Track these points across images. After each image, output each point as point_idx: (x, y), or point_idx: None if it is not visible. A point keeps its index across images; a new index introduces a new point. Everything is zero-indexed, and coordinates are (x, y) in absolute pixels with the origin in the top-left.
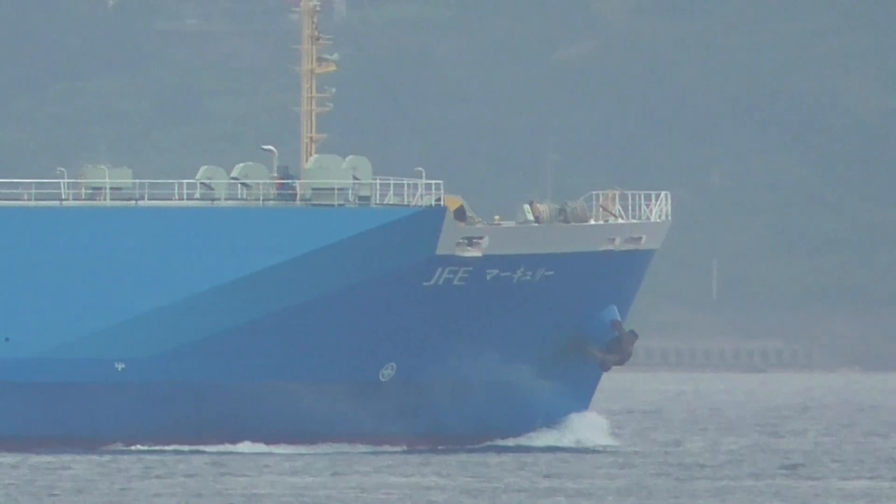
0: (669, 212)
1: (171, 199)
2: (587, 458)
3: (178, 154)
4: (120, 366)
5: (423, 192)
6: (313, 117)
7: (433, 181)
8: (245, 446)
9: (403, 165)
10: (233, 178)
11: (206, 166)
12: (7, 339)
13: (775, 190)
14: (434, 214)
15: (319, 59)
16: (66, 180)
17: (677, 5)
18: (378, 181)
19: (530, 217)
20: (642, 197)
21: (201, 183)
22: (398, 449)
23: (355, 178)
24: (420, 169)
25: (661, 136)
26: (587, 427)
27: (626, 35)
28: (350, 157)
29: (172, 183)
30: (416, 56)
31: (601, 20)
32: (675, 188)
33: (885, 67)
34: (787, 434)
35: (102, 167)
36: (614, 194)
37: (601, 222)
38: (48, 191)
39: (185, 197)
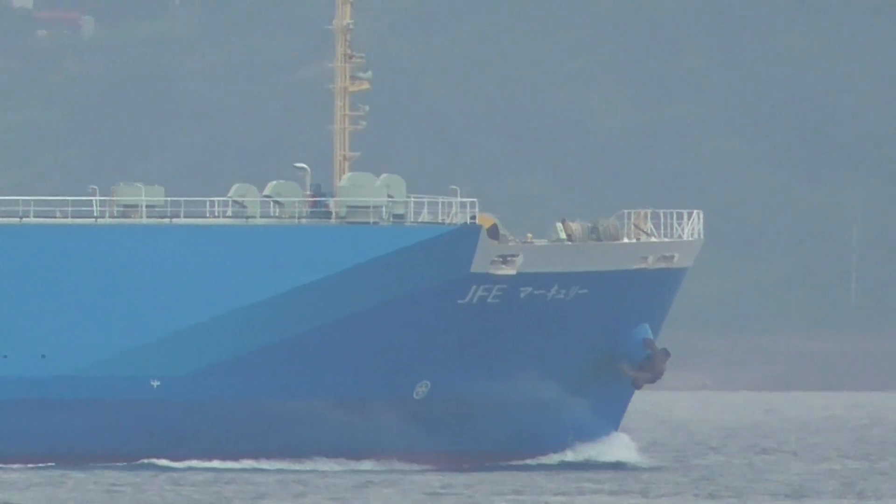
0: (702, 230)
1: (203, 217)
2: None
3: None
4: (155, 383)
5: (457, 210)
6: (346, 135)
7: (468, 199)
8: (279, 464)
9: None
10: (265, 196)
11: (237, 184)
12: (43, 357)
13: (522, 204)
14: (469, 232)
15: (353, 77)
16: (98, 198)
17: (427, 23)
18: (413, 199)
19: (562, 235)
20: (674, 216)
21: (234, 200)
22: (429, 467)
23: (390, 196)
24: (455, 187)
25: (414, 150)
26: (618, 445)
27: (374, 52)
28: (384, 175)
29: (204, 200)
30: (162, 72)
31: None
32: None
33: (628, 85)
34: None
35: (138, 185)
36: (646, 213)
37: (633, 241)
38: (81, 208)
39: (217, 214)
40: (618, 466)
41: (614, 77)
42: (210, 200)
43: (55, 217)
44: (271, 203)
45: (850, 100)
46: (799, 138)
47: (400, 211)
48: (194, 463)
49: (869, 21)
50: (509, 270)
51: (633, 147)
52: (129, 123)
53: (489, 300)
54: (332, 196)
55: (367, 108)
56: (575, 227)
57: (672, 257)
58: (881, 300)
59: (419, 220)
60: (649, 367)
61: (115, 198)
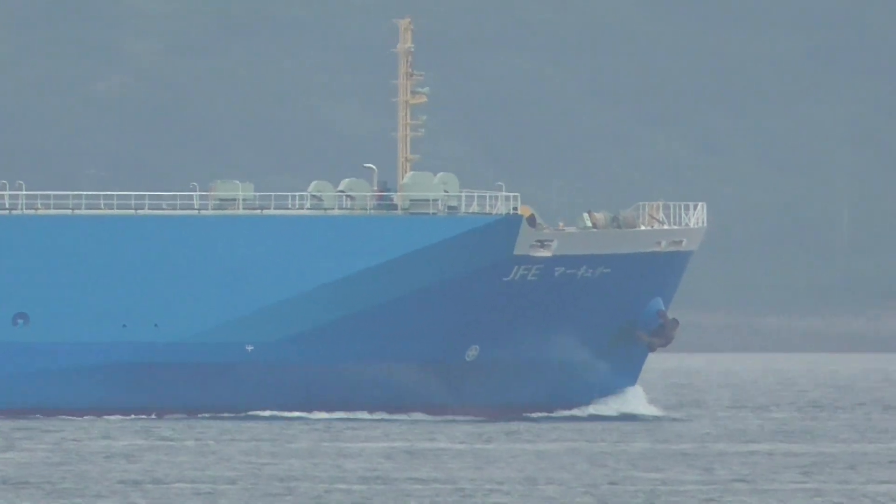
0: (705, 219)
1: (286, 209)
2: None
3: None
4: (249, 348)
5: (502, 203)
6: (408, 141)
7: (511, 193)
8: (351, 415)
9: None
10: (339, 192)
11: (316, 181)
12: (156, 326)
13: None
14: (512, 221)
15: (413, 92)
16: (198, 193)
17: (198, 46)
18: (464, 193)
19: (588, 224)
20: (682, 207)
21: (312, 195)
22: (476, 418)
23: (445, 191)
24: (500, 183)
25: (176, 154)
26: (635, 399)
27: (154, 70)
28: (440, 173)
29: (286, 195)
30: None
31: (132, 57)
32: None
33: (372, 98)
34: None
35: (235, 182)
36: (659, 205)
37: (648, 228)
38: (182, 202)
39: (298, 207)
40: (634, 417)
41: (350, 90)
42: (292, 195)
43: (163, 209)
44: (344, 197)
45: (548, 110)
46: (513, 144)
47: (454, 203)
48: (281, 413)
49: (565, 47)
50: (546, 253)
51: (376, 148)
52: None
53: (529, 278)
54: (397, 191)
55: (424, 118)
56: (599, 216)
57: (681, 242)
58: None
59: (470, 211)
60: (662, 334)
61: (213, 193)
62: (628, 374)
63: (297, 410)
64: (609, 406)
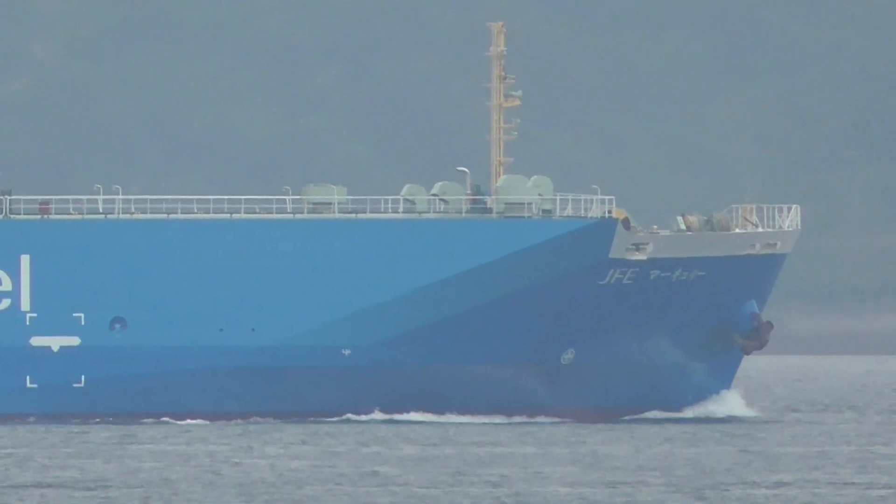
0: (799, 222)
1: (380, 213)
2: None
3: None
4: (346, 352)
5: (597, 206)
6: (501, 144)
7: (606, 196)
8: (452, 417)
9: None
10: (433, 195)
11: (408, 184)
12: (253, 330)
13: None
14: (607, 225)
15: (506, 95)
16: (291, 196)
17: (100, 48)
18: (559, 197)
19: (682, 227)
20: (776, 210)
21: (405, 199)
22: (571, 420)
23: (539, 194)
24: (596, 186)
25: (85, 156)
26: (731, 402)
27: (56, 73)
28: (534, 176)
29: (380, 199)
30: None
31: (35, 60)
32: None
33: (273, 101)
34: None
35: (329, 185)
36: (752, 207)
37: (742, 231)
38: (277, 206)
39: (390, 211)
40: (730, 419)
41: (253, 95)
42: (385, 199)
43: (257, 213)
44: (437, 201)
45: (447, 117)
46: (410, 145)
47: (548, 207)
48: (376, 416)
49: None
50: (641, 256)
51: (277, 151)
52: None
53: (624, 281)
54: (490, 195)
55: (518, 121)
56: (693, 219)
57: (775, 244)
58: None
59: (565, 214)
60: (756, 337)
61: (307, 196)
62: (723, 376)
63: (393, 413)
64: (706, 408)
